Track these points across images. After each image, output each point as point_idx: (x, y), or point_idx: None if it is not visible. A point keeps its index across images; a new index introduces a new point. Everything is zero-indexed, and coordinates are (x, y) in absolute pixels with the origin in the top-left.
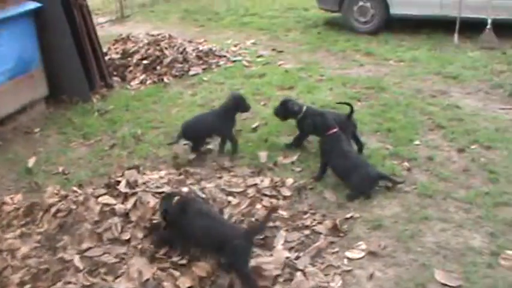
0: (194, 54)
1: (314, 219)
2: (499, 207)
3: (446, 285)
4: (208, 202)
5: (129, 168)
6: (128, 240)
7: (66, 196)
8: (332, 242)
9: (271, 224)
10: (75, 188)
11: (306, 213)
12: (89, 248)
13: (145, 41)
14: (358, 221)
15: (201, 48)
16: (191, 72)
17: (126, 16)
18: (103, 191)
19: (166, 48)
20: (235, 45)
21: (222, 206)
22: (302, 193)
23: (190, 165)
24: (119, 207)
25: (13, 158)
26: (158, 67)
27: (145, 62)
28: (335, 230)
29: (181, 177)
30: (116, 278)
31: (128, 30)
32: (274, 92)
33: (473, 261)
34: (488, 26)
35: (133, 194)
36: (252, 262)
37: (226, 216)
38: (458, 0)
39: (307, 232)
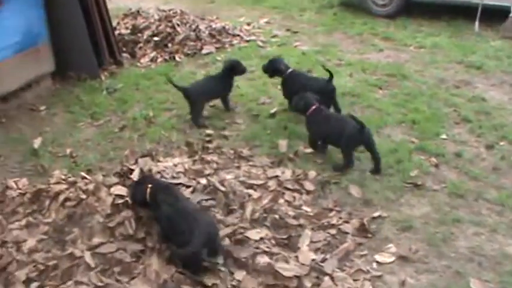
0: (207, 32)
1: (340, 218)
2: None
3: None
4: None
5: (142, 156)
6: (144, 238)
7: (74, 183)
8: (360, 244)
9: (295, 222)
10: (83, 174)
11: (331, 210)
12: (101, 244)
13: (156, 17)
14: (386, 221)
15: (214, 26)
16: (204, 51)
17: None
18: (115, 179)
19: (178, 25)
20: (248, 24)
21: (242, 200)
22: (326, 188)
23: (205, 152)
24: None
25: (17, 137)
26: (170, 44)
27: (156, 38)
28: (363, 230)
29: (199, 166)
30: (131, 278)
31: (137, 4)
32: None
33: (510, 271)
34: (511, 15)
35: None
36: (276, 264)
37: (248, 212)
38: None
39: (333, 231)
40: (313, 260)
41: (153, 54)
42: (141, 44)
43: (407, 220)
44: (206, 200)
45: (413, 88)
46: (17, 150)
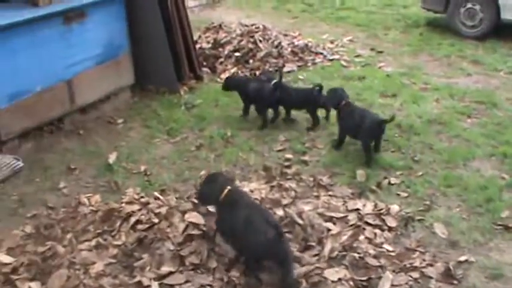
0: (289, 49)
1: (423, 260)
2: None
3: None
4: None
5: None
6: (214, 269)
7: (147, 204)
8: None
9: (375, 262)
10: (157, 194)
11: (414, 251)
12: (170, 273)
13: (238, 32)
14: (473, 267)
15: (296, 43)
16: (286, 69)
17: (217, 1)
18: (189, 205)
19: (260, 40)
20: (331, 42)
21: (321, 235)
22: (409, 225)
23: (284, 178)
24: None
25: (93, 150)
26: (251, 60)
27: (237, 54)
28: (448, 275)
29: (276, 195)
30: None
31: (219, 17)
32: (376, 98)
33: None
34: None
35: None
36: None
37: (327, 250)
38: None
39: (416, 275)
40: None
41: (234, 69)
42: (222, 59)
43: (497, 267)
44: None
45: (504, 118)
46: (92, 164)
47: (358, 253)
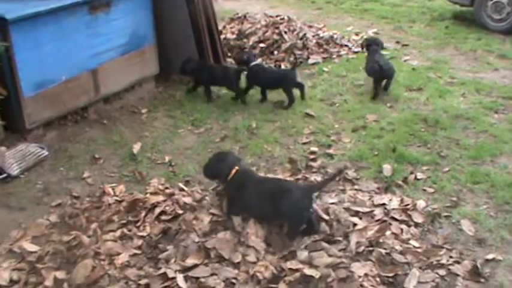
0: (314, 40)
1: (450, 257)
2: None
3: None
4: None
5: None
6: (239, 263)
7: (171, 195)
8: None
9: (402, 258)
10: (181, 185)
11: (441, 247)
12: (195, 266)
13: (263, 22)
14: (501, 265)
15: (321, 35)
16: (310, 61)
17: None
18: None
19: (285, 32)
20: (356, 34)
21: (347, 230)
22: (436, 221)
23: (309, 171)
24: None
25: (118, 140)
26: (276, 52)
27: (262, 45)
28: (475, 273)
29: None
30: None
31: (242, 7)
32: (401, 92)
33: None
34: None
35: None
36: None
37: (353, 244)
38: None
39: (442, 272)
40: None
41: (259, 61)
42: (246, 50)
43: None
44: None
45: None
46: (117, 153)
47: (385, 249)
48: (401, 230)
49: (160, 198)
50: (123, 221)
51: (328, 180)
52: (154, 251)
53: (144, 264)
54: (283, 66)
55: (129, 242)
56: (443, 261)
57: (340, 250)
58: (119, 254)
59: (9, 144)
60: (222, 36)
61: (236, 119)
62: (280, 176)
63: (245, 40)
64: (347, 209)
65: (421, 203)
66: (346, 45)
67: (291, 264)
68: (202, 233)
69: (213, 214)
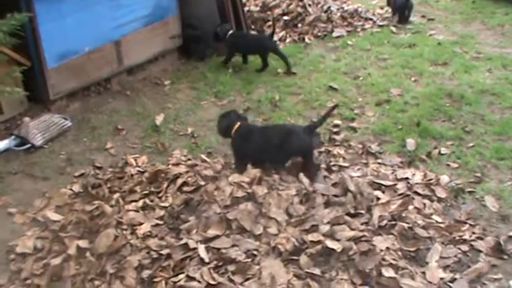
0: (338, 14)
1: (473, 233)
2: None
3: None
4: None
5: None
6: (260, 235)
7: (193, 166)
8: (494, 265)
9: (424, 233)
10: (203, 157)
11: (464, 223)
12: (216, 237)
13: None
14: None
15: (346, 8)
16: (335, 34)
17: None
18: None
19: (309, 5)
20: (381, 8)
21: (370, 203)
22: (459, 197)
23: (332, 144)
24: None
25: (140, 112)
26: (299, 25)
27: (286, 18)
28: (498, 250)
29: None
30: (245, 280)
31: None
32: (426, 67)
33: None
34: None
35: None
36: (401, 280)
37: (375, 218)
38: None
39: (465, 248)
40: (441, 278)
41: (282, 33)
42: (270, 23)
43: None
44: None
45: None
46: (139, 125)
47: (407, 223)
48: (424, 204)
49: (183, 169)
50: (145, 192)
51: (326, 116)
52: (176, 222)
53: (166, 234)
54: (306, 39)
55: (151, 212)
56: (466, 236)
57: (362, 224)
58: (140, 224)
59: (33, 115)
60: (246, 9)
61: (259, 92)
62: None
63: (269, 12)
64: (370, 183)
65: (444, 178)
66: (370, 19)
67: (312, 236)
68: (224, 205)
69: (235, 184)
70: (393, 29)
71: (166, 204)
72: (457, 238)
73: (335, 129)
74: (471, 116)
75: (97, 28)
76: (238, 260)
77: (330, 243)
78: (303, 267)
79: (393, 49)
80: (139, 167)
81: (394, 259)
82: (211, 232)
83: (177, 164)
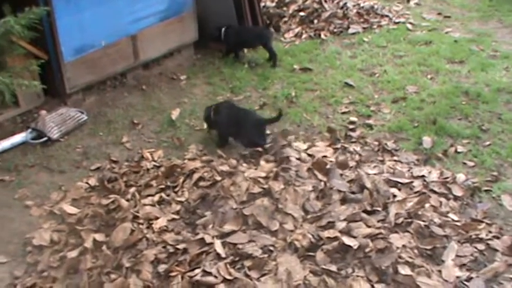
0: (355, 10)
1: (490, 232)
2: None
3: None
4: None
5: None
6: (276, 231)
7: (209, 161)
8: (511, 265)
9: (440, 231)
10: (220, 152)
11: (480, 222)
12: (233, 232)
13: None
14: None
15: (362, 5)
16: (350, 30)
17: None
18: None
19: (325, 1)
20: (397, 5)
21: (386, 200)
22: (475, 195)
23: (348, 141)
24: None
25: (156, 106)
26: (315, 21)
27: (302, 13)
28: None
29: (342, 157)
30: (262, 275)
31: None
32: (442, 64)
33: None
34: None
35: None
36: (417, 278)
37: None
38: None
39: (481, 247)
40: (457, 277)
41: (298, 29)
42: (286, 18)
43: None
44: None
45: None
46: (155, 119)
47: (424, 221)
48: (441, 202)
49: (198, 164)
50: (162, 186)
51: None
52: (192, 217)
53: (182, 229)
54: (322, 36)
55: (167, 206)
56: (483, 235)
57: (379, 221)
58: (157, 218)
59: (49, 108)
60: (262, 4)
61: (275, 88)
62: (320, 145)
63: (285, 8)
64: (386, 180)
65: (461, 177)
66: (386, 16)
67: (328, 233)
68: (240, 200)
69: (251, 180)
70: (409, 26)
71: (183, 199)
72: (474, 237)
73: (351, 126)
74: (488, 114)
75: (114, 22)
76: (254, 255)
77: (346, 240)
78: (319, 264)
79: (409, 46)
80: (155, 161)
81: (410, 257)
82: (228, 227)
83: (193, 159)
